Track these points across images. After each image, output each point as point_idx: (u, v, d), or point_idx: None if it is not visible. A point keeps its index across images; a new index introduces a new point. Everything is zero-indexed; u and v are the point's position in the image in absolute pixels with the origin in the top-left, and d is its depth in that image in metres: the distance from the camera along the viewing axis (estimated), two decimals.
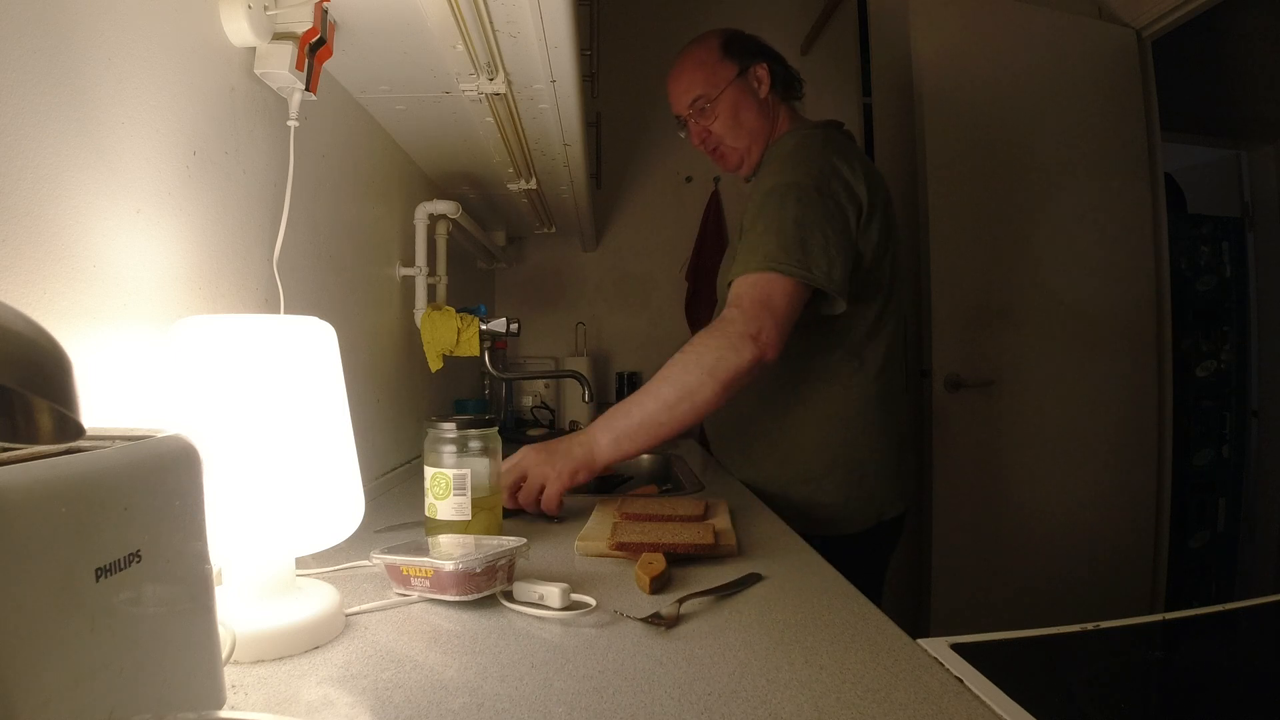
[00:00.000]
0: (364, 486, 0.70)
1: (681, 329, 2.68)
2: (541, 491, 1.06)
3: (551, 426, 2.41)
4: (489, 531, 0.92)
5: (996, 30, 2.13)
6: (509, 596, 0.71)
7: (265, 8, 0.83)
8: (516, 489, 1.07)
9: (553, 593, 0.69)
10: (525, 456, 1.08)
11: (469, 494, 0.91)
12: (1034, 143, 2.13)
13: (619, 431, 1.09)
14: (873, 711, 0.49)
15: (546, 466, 1.06)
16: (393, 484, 1.37)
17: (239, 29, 0.79)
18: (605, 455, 1.09)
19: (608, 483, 1.60)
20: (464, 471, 0.90)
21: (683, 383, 1.08)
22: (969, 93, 2.07)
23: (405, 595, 0.72)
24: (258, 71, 0.85)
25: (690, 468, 1.65)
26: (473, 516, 0.91)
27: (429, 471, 0.92)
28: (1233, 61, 2.77)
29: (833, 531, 1.24)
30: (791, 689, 0.53)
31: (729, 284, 1.17)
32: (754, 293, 1.12)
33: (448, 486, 0.90)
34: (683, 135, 1.40)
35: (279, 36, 0.85)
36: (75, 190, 0.57)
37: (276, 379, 0.60)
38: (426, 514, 0.93)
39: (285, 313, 0.91)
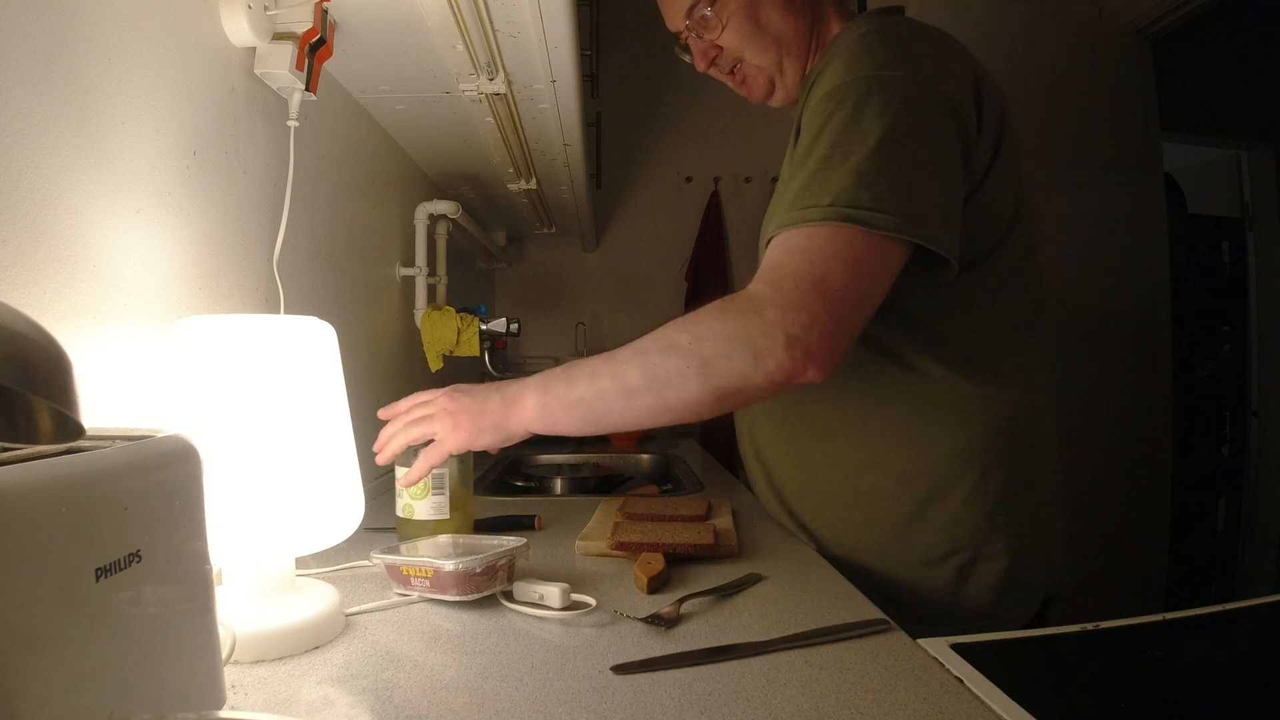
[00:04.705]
0: (364, 486, 0.70)
1: None
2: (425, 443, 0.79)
3: None
4: (462, 531, 0.92)
5: (996, 29, 2.13)
6: (509, 596, 0.71)
7: (265, 8, 0.83)
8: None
9: (553, 593, 0.69)
10: (437, 398, 0.80)
11: (448, 492, 0.91)
12: (1034, 142, 2.13)
13: (552, 397, 0.75)
14: (873, 711, 0.49)
15: (452, 416, 0.78)
16: (393, 484, 1.37)
17: (239, 29, 0.79)
18: (527, 423, 0.76)
19: (608, 482, 1.60)
20: (442, 470, 0.90)
21: (658, 371, 0.71)
22: None
23: (405, 595, 0.72)
24: (258, 71, 0.85)
25: (690, 468, 1.65)
26: (449, 515, 0.91)
27: (402, 473, 0.89)
28: (1233, 61, 2.77)
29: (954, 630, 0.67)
30: (791, 689, 0.53)
31: (768, 241, 0.77)
32: (801, 261, 0.69)
33: (426, 486, 0.90)
34: (687, 59, 0.97)
35: (279, 36, 0.85)
36: (75, 190, 0.57)
37: (276, 379, 0.60)
38: (400, 514, 0.92)
39: (285, 313, 0.91)
